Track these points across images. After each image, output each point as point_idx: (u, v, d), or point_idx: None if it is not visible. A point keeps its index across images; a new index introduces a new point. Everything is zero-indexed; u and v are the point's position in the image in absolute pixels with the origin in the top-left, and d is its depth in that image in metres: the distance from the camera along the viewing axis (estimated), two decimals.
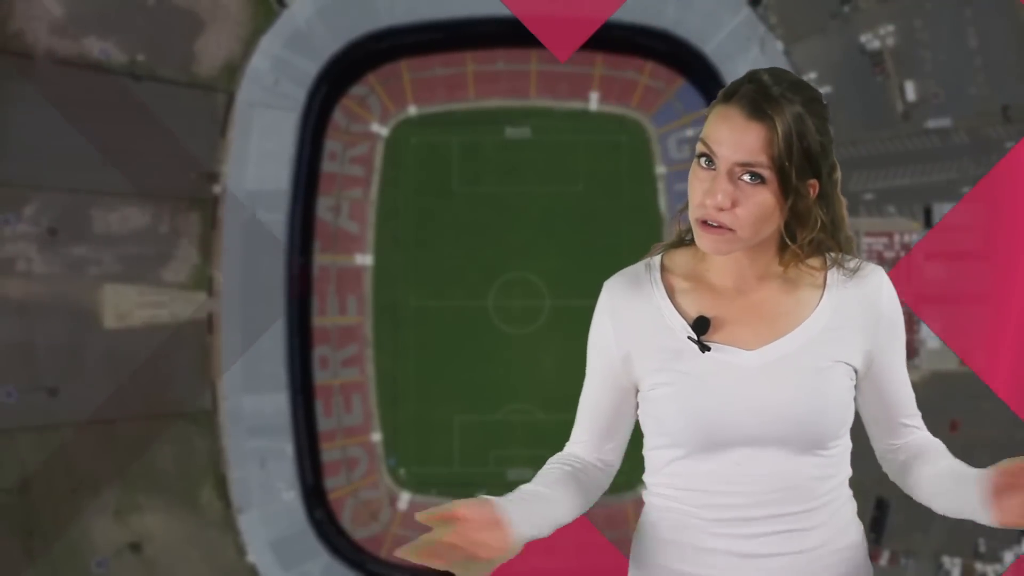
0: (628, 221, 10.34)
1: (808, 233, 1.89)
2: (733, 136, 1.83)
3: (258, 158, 9.97)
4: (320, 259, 10.30)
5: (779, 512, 1.93)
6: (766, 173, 1.83)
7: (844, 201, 1.95)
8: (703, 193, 1.85)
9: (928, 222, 9.76)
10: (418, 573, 10.12)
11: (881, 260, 9.73)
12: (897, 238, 9.74)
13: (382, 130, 10.43)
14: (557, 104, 10.49)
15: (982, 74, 9.56)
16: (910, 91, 9.74)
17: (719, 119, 1.85)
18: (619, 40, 10.13)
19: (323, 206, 10.33)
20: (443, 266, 10.38)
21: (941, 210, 9.70)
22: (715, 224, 1.85)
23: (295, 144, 10.06)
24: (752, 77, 1.88)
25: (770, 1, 9.87)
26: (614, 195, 10.40)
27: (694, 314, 1.94)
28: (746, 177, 1.83)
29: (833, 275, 1.95)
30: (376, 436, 10.31)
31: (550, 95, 10.50)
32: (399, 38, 10.20)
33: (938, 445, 2.03)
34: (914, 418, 2.04)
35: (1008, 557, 9.08)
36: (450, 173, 10.42)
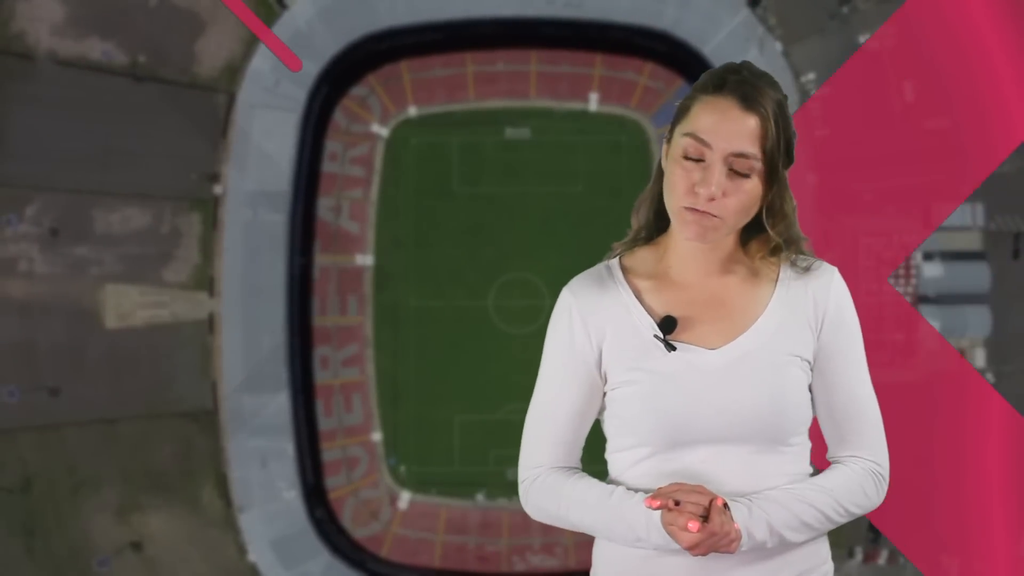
0: (628, 221, 10.33)
1: (781, 220, 1.94)
2: (729, 127, 1.86)
3: (259, 159, 9.98)
4: (321, 259, 10.31)
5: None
6: (757, 164, 1.87)
7: (791, 196, 1.97)
8: (694, 183, 1.87)
9: (928, 222, 9.77)
10: (419, 573, 10.14)
11: (881, 260, 9.75)
12: (897, 238, 9.75)
13: (382, 131, 10.44)
14: (557, 104, 10.50)
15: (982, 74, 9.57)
16: (909, 91, 9.75)
17: (710, 110, 1.88)
18: (619, 40, 10.14)
19: (323, 206, 10.34)
20: (443, 266, 10.39)
21: (940, 210, 9.71)
22: (702, 210, 1.88)
23: (295, 145, 10.07)
24: (734, 68, 1.91)
25: (769, 2, 9.88)
26: (614, 195, 10.41)
27: (660, 312, 1.95)
28: (736, 167, 1.86)
29: (785, 271, 1.98)
30: (376, 436, 10.32)
31: (550, 96, 10.51)
32: (399, 39, 10.21)
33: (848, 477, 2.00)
34: (853, 435, 1.99)
35: (1008, 557, 9.09)
36: (450, 173, 10.43)
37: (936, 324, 9.57)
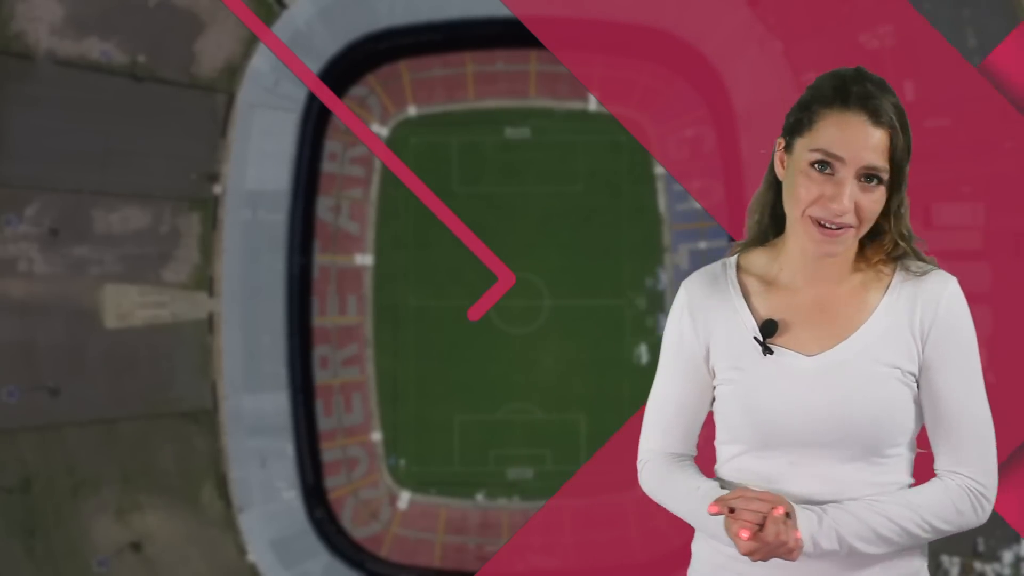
0: (628, 221, 10.35)
1: (903, 225, 1.96)
2: (859, 142, 1.87)
3: (258, 158, 9.98)
4: (320, 259, 10.30)
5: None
6: (884, 175, 1.89)
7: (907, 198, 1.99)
8: (822, 195, 1.87)
9: (928, 222, 9.76)
10: (419, 573, 10.14)
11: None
12: None
13: (382, 130, 10.44)
14: (557, 104, 10.50)
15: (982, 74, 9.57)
16: (910, 91, 9.75)
17: (841, 124, 1.88)
18: (619, 40, 10.13)
19: (323, 206, 10.34)
20: (443, 266, 10.39)
21: (940, 210, 9.70)
22: (834, 228, 1.88)
23: (295, 144, 10.06)
24: (855, 77, 1.90)
25: (769, 1, 9.87)
26: (614, 195, 10.41)
27: (764, 315, 1.98)
28: (866, 179, 1.88)
29: (898, 277, 1.99)
30: (376, 436, 10.32)
31: (550, 95, 10.50)
32: (399, 39, 10.21)
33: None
34: (959, 470, 1.98)
35: (1007, 556, 9.09)
36: (450, 173, 10.43)
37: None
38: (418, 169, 10.42)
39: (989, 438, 2.01)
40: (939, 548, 9.07)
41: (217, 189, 9.92)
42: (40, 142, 9.61)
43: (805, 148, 1.90)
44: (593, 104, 10.45)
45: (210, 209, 9.93)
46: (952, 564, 9.09)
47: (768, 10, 9.85)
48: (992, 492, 2.01)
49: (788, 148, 1.95)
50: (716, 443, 2.09)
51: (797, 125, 1.93)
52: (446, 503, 10.26)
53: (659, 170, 10.39)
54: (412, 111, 10.45)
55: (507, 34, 10.08)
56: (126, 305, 9.81)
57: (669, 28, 10.07)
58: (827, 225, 1.89)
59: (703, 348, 2.01)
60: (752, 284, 2.01)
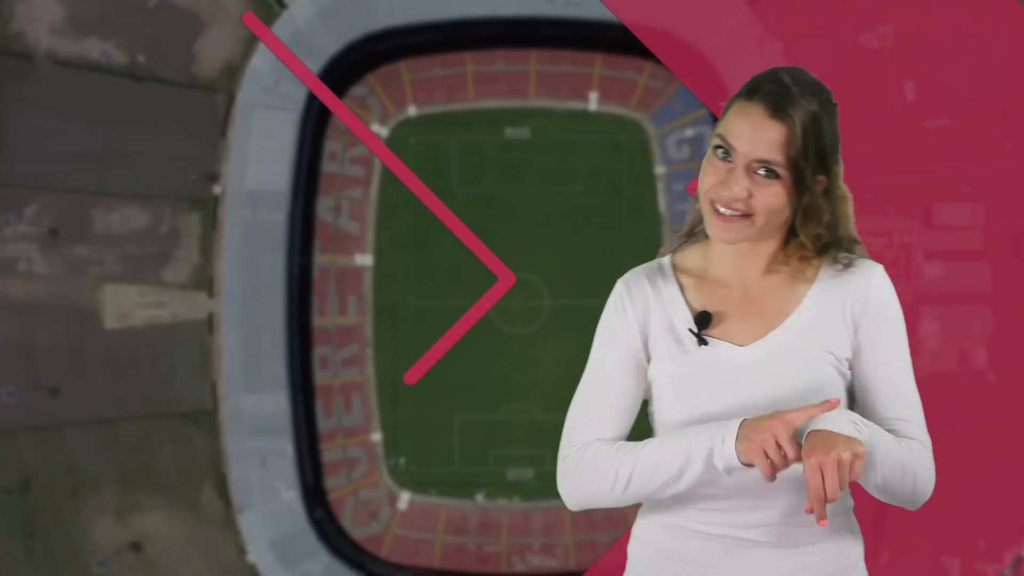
0: (628, 221, 10.35)
1: (814, 227, 1.96)
2: (753, 133, 1.90)
3: (258, 158, 9.98)
4: (320, 259, 10.30)
5: (768, 504, 1.97)
6: (781, 171, 1.91)
7: (850, 197, 2.02)
8: (719, 183, 1.93)
9: (928, 221, 9.76)
10: (419, 573, 10.13)
11: (881, 260, 9.74)
12: (897, 238, 9.75)
13: (382, 130, 10.44)
14: (557, 104, 10.49)
15: (982, 74, 9.56)
16: (910, 91, 9.74)
17: (739, 115, 1.93)
18: (619, 40, 10.13)
19: (323, 206, 10.33)
20: (443, 266, 10.38)
21: (940, 210, 9.70)
22: (729, 214, 1.93)
23: (295, 144, 10.06)
24: (774, 77, 1.95)
25: (769, 1, 9.87)
26: (614, 195, 10.41)
27: (699, 308, 2.01)
28: (762, 172, 1.91)
29: (825, 270, 2.01)
30: (376, 436, 10.31)
31: (550, 95, 10.50)
32: (398, 39, 10.21)
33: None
34: (902, 422, 1.98)
35: (1008, 556, 9.09)
36: (450, 173, 10.42)
37: (936, 324, 9.56)
38: (418, 169, 10.41)
39: (923, 419, 1.99)
40: (940, 548, 9.06)
41: (217, 189, 9.92)
42: (40, 142, 9.60)
43: (713, 136, 1.97)
44: (593, 104, 10.45)
45: (210, 209, 9.92)
46: (953, 564, 9.09)
47: (768, 10, 9.85)
48: (927, 440, 1.98)
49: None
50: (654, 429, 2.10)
51: (722, 114, 1.99)
52: (446, 503, 10.26)
53: (659, 170, 10.39)
54: (412, 111, 10.45)
55: (507, 34, 10.08)
56: (126, 305, 9.81)
57: (669, 28, 10.06)
58: (722, 210, 1.92)
59: (642, 339, 2.03)
60: (686, 280, 2.05)
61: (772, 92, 1.92)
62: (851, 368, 2.00)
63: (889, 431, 1.94)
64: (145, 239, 9.85)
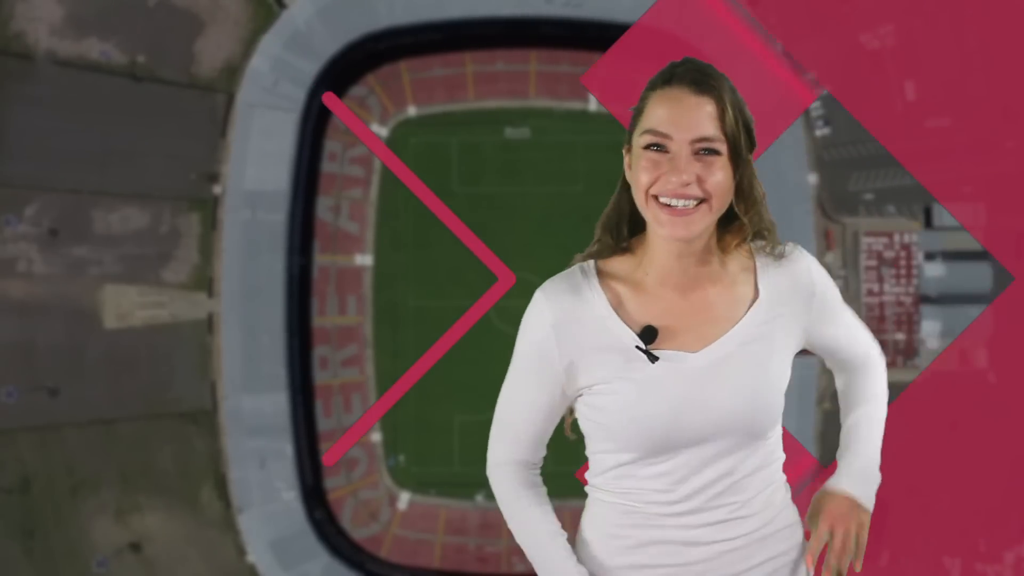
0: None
1: (752, 205, 1.93)
2: (686, 115, 1.86)
3: (258, 158, 9.97)
4: (320, 259, 10.30)
5: (722, 503, 1.97)
6: (720, 146, 1.86)
7: (759, 182, 1.97)
8: (661, 173, 1.87)
9: (928, 222, 9.76)
10: (418, 574, 10.13)
11: (882, 260, 9.74)
12: (897, 238, 9.75)
13: (382, 131, 10.43)
14: (556, 104, 10.49)
15: (982, 74, 9.56)
16: (910, 91, 9.74)
17: (665, 102, 1.88)
18: (618, 40, 10.12)
19: (323, 206, 10.33)
20: (443, 266, 10.38)
21: (941, 210, 9.70)
22: (682, 206, 1.86)
23: (295, 144, 10.06)
24: (683, 62, 1.92)
25: (769, 1, 9.86)
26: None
27: (639, 320, 1.94)
28: (703, 151, 1.86)
29: (761, 263, 1.98)
30: (376, 436, 10.31)
31: (549, 95, 10.50)
32: (398, 39, 10.20)
33: (872, 377, 2.12)
34: (866, 355, 2.12)
35: (1008, 557, 9.08)
36: (450, 173, 10.42)
37: (937, 324, 9.56)
38: (418, 169, 10.41)
39: (863, 327, 2.12)
40: (940, 549, 9.06)
41: (217, 189, 9.92)
42: (39, 142, 9.60)
43: (638, 135, 1.91)
44: (593, 104, 10.45)
45: (209, 209, 9.92)
46: (953, 565, 9.08)
47: (768, 10, 9.84)
48: (877, 345, 2.14)
49: (628, 145, 1.96)
50: (589, 453, 2.05)
51: (633, 119, 1.95)
52: (446, 504, 10.25)
53: None
54: (412, 111, 10.45)
55: (507, 34, 10.07)
56: (125, 305, 9.81)
57: (669, 28, 10.06)
58: (674, 203, 1.87)
59: (565, 363, 1.96)
60: (620, 289, 1.98)
61: (690, 71, 1.89)
62: (812, 347, 2.05)
63: (862, 365, 2.09)
64: (145, 239, 9.84)
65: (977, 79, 9.52)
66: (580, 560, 2.06)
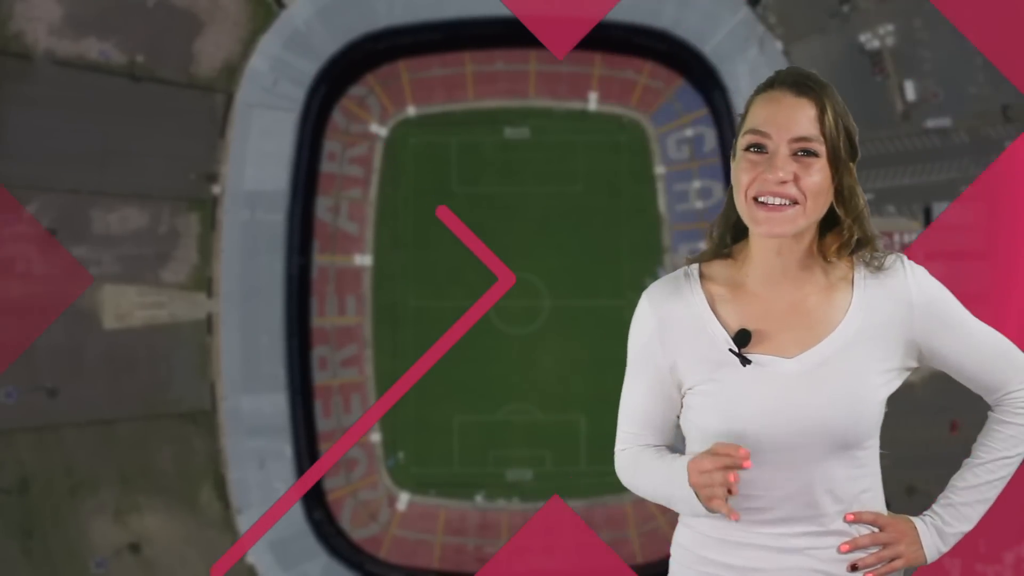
0: (628, 221, 10.34)
1: (853, 212, 1.94)
2: (786, 114, 1.89)
3: (257, 158, 9.96)
4: (319, 259, 10.29)
5: (816, 513, 1.98)
6: (819, 148, 1.88)
7: (862, 192, 1.99)
8: (760, 172, 1.88)
9: (928, 221, 9.75)
10: (418, 574, 10.12)
11: None
12: (897, 238, 9.74)
13: (381, 130, 10.42)
14: (556, 104, 10.48)
15: (982, 74, 9.56)
16: (910, 91, 9.73)
17: (766, 104, 1.91)
18: (618, 40, 10.12)
19: (322, 206, 10.32)
20: (442, 266, 10.37)
21: (941, 210, 9.69)
22: (777, 203, 1.88)
23: (294, 144, 10.05)
24: (787, 69, 1.95)
25: (769, 1, 9.86)
26: (614, 195, 10.39)
27: (735, 323, 1.97)
28: (801, 152, 1.88)
29: (860, 273, 1.99)
30: (375, 437, 10.30)
31: (549, 95, 10.49)
32: (398, 39, 10.19)
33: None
34: (1004, 389, 2.05)
35: (1008, 557, 9.07)
36: (449, 173, 10.41)
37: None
38: (417, 169, 10.40)
39: (1012, 353, 2.06)
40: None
41: (216, 189, 9.90)
42: (38, 142, 9.59)
43: (741, 138, 1.93)
44: (593, 104, 10.44)
45: (209, 209, 9.91)
46: (953, 565, 9.07)
47: (768, 10, 9.84)
48: None
49: (733, 153, 1.97)
50: (687, 454, 2.05)
51: (737, 127, 1.97)
52: (445, 504, 10.24)
53: (659, 170, 10.38)
54: (411, 111, 10.44)
55: (507, 34, 10.06)
56: (125, 306, 9.79)
57: (669, 28, 10.05)
58: (769, 201, 1.89)
59: (669, 362, 2.00)
60: (719, 292, 2.00)
61: (792, 75, 1.92)
62: (932, 363, 2.02)
63: (990, 392, 2.04)
64: (144, 239, 9.83)
65: (977, 79, 9.51)
66: (676, 560, 2.09)
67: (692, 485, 1.89)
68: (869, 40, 9.77)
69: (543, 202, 10.41)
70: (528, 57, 10.38)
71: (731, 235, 2.02)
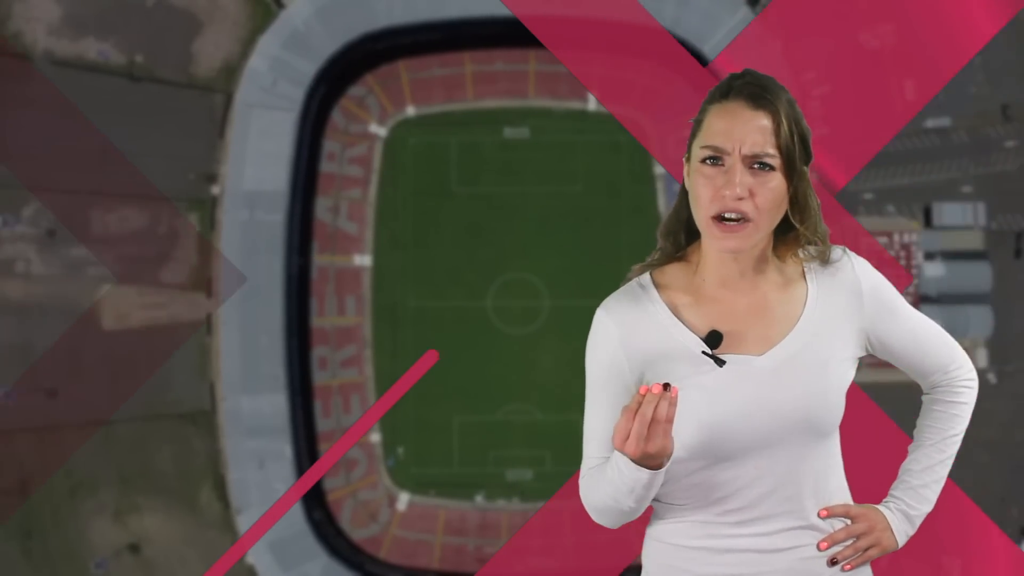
0: (627, 221, 10.34)
1: (809, 217, 1.96)
2: (742, 128, 1.89)
3: (256, 159, 9.96)
4: (319, 260, 10.29)
5: (796, 508, 1.99)
6: (774, 161, 1.89)
7: (815, 194, 2.01)
8: (718, 188, 1.89)
9: (928, 222, 9.75)
10: (417, 574, 10.12)
11: (881, 260, 9.72)
12: (897, 238, 9.74)
13: (381, 130, 10.42)
14: (556, 104, 10.48)
15: (982, 74, 9.56)
16: (910, 91, 9.73)
17: (722, 115, 1.92)
18: (619, 40, 10.11)
19: (322, 207, 10.32)
20: (442, 266, 10.37)
21: (941, 210, 9.69)
22: (734, 219, 1.89)
23: (293, 145, 10.05)
24: (742, 75, 1.95)
25: (769, 1, 9.85)
26: (613, 195, 10.39)
27: (702, 327, 1.96)
28: (757, 166, 1.89)
29: (810, 267, 2.02)
30: (375, 437, 10.30)
31: (549, 95, 10.49)
32: (397, 38, 10.19)
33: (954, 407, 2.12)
34: (944, 372, 2.11)
35: (1009, 557, 9.07)
36: (449, 173, 10.41)
37: (938, 324, 9.53)
38: (417, 169, 10.40)
39: (944, 333, 2.13)
40: (939, 549, 9.04)
41: (215, 189, 9.90)
42: (37, 142, 9.59)
43: (696, 147, 1.94)
44: (593, 104, 10.44)
45: (208, 210, 9.91)
46: (953, 565, 9.06)
47: (768, 10, 9.84)
48: (969, 363, 2.16)
49: (687, 156, 1.98)
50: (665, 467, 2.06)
51: (692, 131, 1.98)
52: (445, 504, 10.24)
53: (659, 170, 10.38)
54: (411, 111, 10.44)
55: (506, 34, 10.06)
56: (124, 306, 9.79)
57: (669, 28, 10.05)
58: (726, 218, 1.90)
59: (636, 376, 1.98)
60: (679, 298, 1.99)
61: (748, 85, 1.92)
62: (877, 351, 2.06)
63: (926, 377, 2.11)
64: (143, 240, 9.83)
65: (977, 79, 9.51)
66: (651, 571, 2.10)
67: (618, 449, 1.87)
68: (869, 40, 9.76)
69: (543, 202, 10.41)
70: (528, 57, 10.38)
71: (684, 236, 2.03)
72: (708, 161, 1.91)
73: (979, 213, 9.62)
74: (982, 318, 9.52)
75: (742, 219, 1.89)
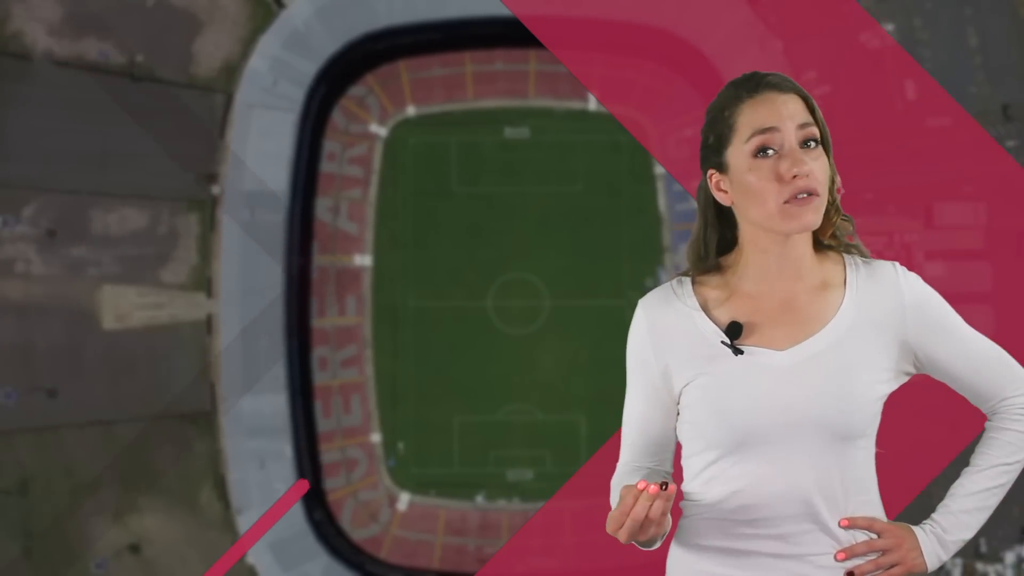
0: (628, 221, 10.34)
1: (835, 198, 2.00)
2: (782, 107, 1.93)
3: (257, 159, 9.96)
4: (319, 260, 10.29)
5: (811, 511, 1.98)
6: (816, 132, 1.94)
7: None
8: (781, 172, 1.91)
9: (929, 222, 9.74)
10: (417, 574, 10.12)
11: (881, 259, 9.71)
12: (897, 238, 9.73)
13: (381, 130, 10.42)
14: (556, 104, 10.48)
15: (982, 73, 9.55)
16: (910, 91, 9.73)
17: (759, 106, 1.94)
18: (619, 40, 10.11)
19: (322, 207, 10.32)
20: (442, 266, 10.37)
21: (941, 210, 9.68)
22: (802, 196, 1.91)
23: (294, 145, 10.05)
24: (752, 74, 1.99)
25: (769, 1, 9.85)
26: (614, 195, 10.39)
27: (727, 320, 1.99)
28: (810, 144, 1.93)
29: (853, 274, 2.02)
30: (375, 437, 10.30)
31: (549, 95, 10.49)
32: (397, 38, 10.19)
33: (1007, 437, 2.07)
34: (1000, 398, 2.05)
35: (1009, 557, 9.07)
36: (449, 173, 10.41)
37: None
38: (417, 169, 10.40)
39: (1005, 354, 2.07)
40: None
41: (215, 190, 9.90)
42: (37, 142, 9.59)
43: (740, 147, 1.94)
44: (593, 104, 10.44)
45: (208, 210, 9.90)
46: (953, 565, 9.07)
47: (768, 10, 9.83)
48: None
49: (721, 168, 1.98)
50: (683, 460, 2.08)
51: (719, 142, 1.97)
52: (446, 504, 10.24)
53: (659, 170, 10.37)
54: (411, 111, 10.44)
55: (507, 34, 10.06)
56: (124, 306, 9.79)
57: (669, 28, 10.05)
58: (800, 195, 1.92)
59: (661, 367, 2.01)
60: (711, 294, 2.02)
61: (768, 76, 1.96)
62: (928, 368, 2.04)
63: (984, 400, 2.05)
64: (143, 240, 9.83)
65: (977, 78, 9.50)
66: (678, 569, 2.11)
67: (610, 532, 1.91)
68: (869, 40, 9.76)
69: (543, 202, 10.41)
70: (528, 57, 10.38)
71: (716, 250, 2.05)
72: (760, 154, 1.92)
73: (980, 213, 9.62)
74: (982, 318, 9.51)
75: (811, 193, 1.91)
